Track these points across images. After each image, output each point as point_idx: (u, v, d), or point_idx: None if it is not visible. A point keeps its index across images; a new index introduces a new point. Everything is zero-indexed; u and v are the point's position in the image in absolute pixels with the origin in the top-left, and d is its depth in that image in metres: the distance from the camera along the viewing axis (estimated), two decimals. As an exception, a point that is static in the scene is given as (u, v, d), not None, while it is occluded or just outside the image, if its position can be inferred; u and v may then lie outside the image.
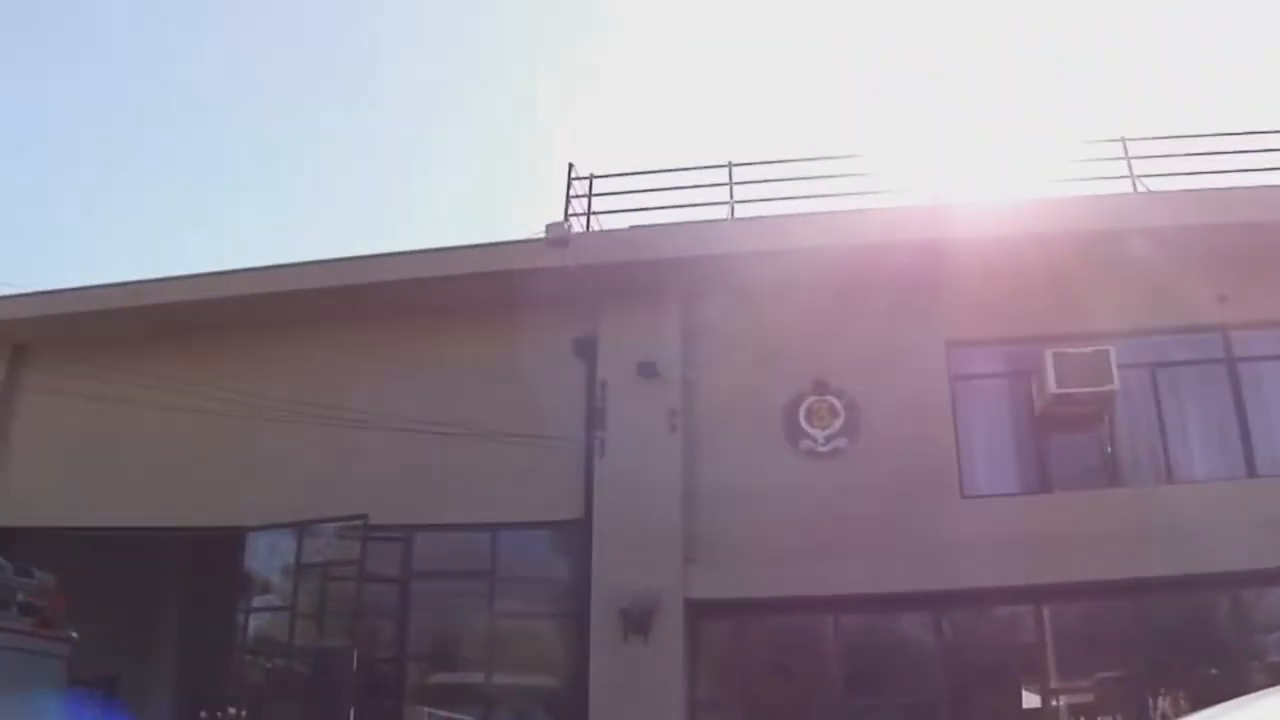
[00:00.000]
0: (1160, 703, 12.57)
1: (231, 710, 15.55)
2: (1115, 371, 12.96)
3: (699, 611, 13.41)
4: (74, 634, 13.45)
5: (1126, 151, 14.14)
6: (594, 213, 14.89)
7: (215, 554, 15.65)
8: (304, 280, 15.28)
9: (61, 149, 49.46)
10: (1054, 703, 12.88)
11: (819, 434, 13.77)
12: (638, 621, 13.04)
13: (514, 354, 14.49)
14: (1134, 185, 13.99)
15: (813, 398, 13.87)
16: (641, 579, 13.08)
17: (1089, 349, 13.05)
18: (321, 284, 15.16)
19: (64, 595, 13.60)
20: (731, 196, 14.69)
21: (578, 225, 14.69)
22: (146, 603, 18.72)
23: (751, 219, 14.41)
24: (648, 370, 13.81)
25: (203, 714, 17.71)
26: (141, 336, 16.59)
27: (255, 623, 14.98)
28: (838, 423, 13.79)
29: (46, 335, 17.45)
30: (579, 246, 14.19)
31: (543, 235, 14.26)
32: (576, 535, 13.70)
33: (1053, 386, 13.02)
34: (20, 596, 13.15)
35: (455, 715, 14.60)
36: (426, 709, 14.65)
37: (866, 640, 13.84)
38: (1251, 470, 13.39)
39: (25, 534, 16.73)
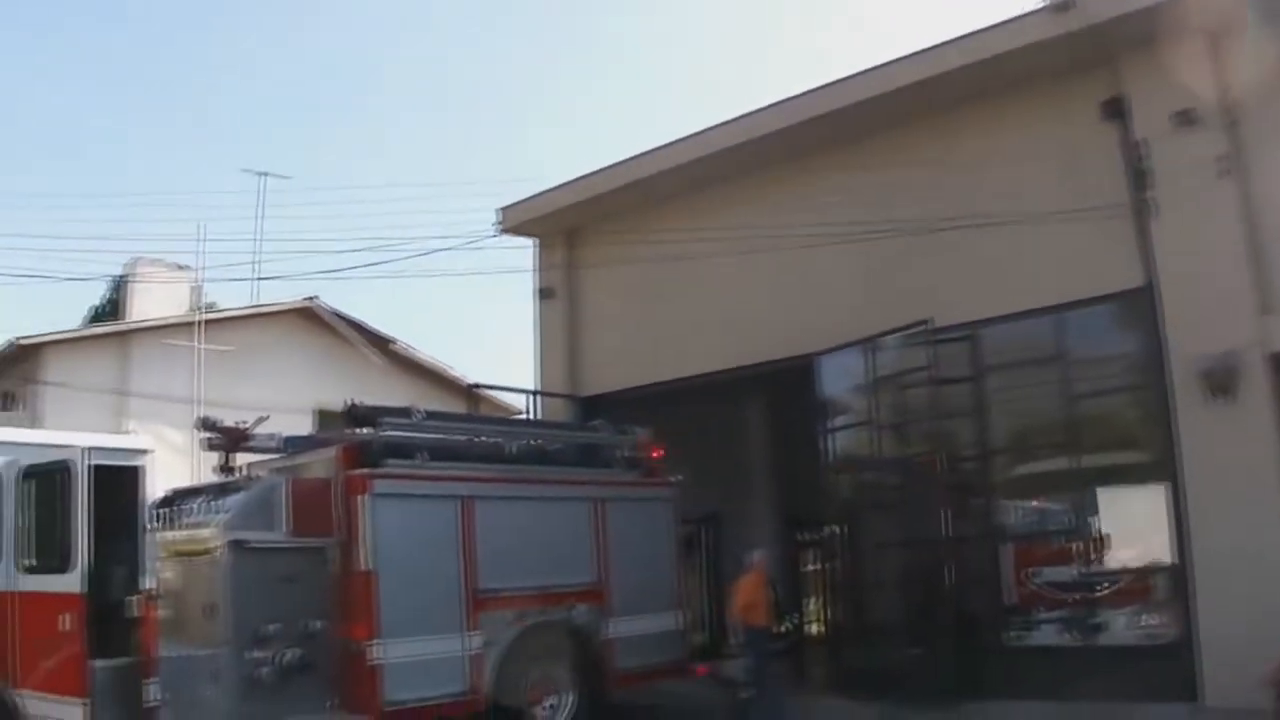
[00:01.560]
0: None
1: (828, 529, 17.45)
2: None
3: (1283, 364, 13.16)
4: (678, 478, 15.54)
5: None
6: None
7: (789, 383, 17.03)
8: (805, 110, 16.36)
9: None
10: None
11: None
12: (1219, 383, 13.00)
13: (1040, 132, 14.77)
14: None
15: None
16: (1217, 339, 13.02)
17: None
18: (826, 108, 16.07)
19: (661, 446, 15.65)
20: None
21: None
22: (735, 441, 20.90)
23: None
24: (1185, 119, 13.49)
25: (801, 536, 19.91)
26: (677, 195, 18.60)
27: (839, 442, 16.40)
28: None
29: (592, 214, 19.96)
30: (1085, 7, 13.88)
31: (1042, 5, 14.17)
32: (1141, 304, 13.77)
33: None
34: (623, 452, 15.41)
35: (1045, 504, 15.42)
36: (1015, 502, 15.50)
37: None
38: None
39: (612, 398, 19.38)
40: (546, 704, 13.41)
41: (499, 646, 12.93)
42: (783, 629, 15.86)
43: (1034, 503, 15.44)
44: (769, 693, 14.10)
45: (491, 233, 20.76)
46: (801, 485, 17.97)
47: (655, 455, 15.66)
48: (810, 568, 20.15)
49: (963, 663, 14.05)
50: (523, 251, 21.90)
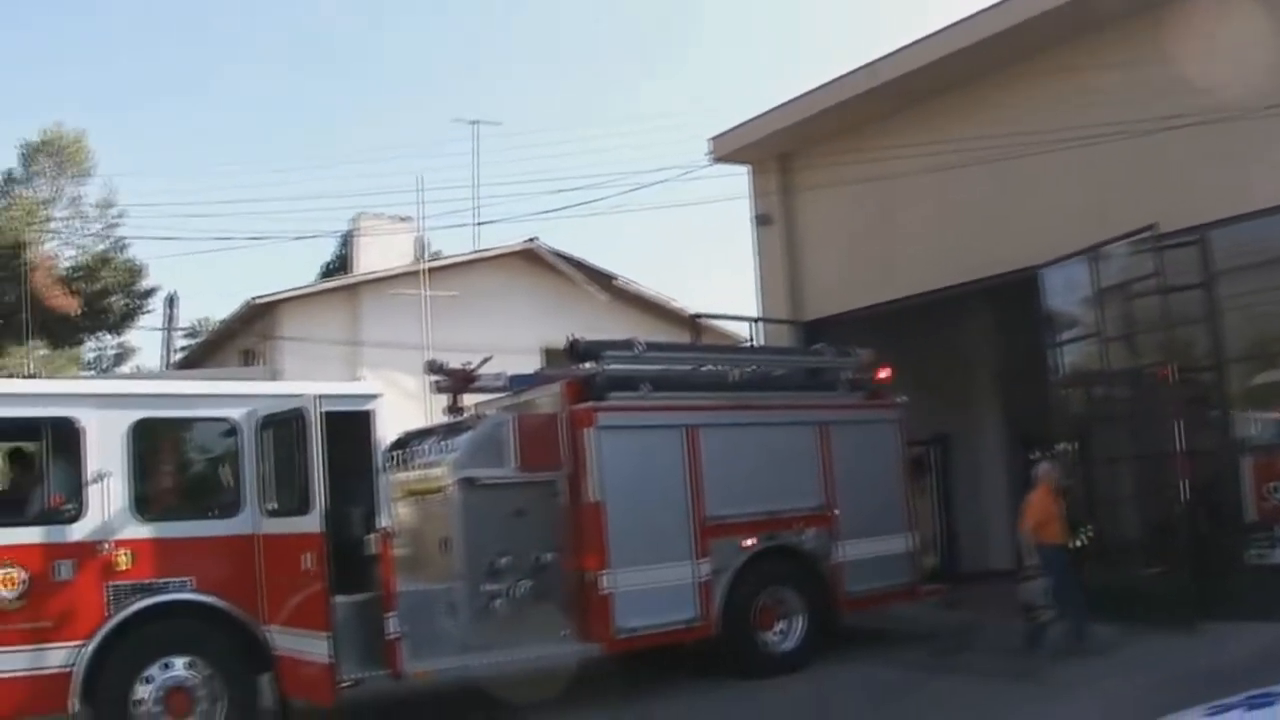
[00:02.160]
0: None
1: (1060, 445, 17.06)
2: None
3: None
4: (903, 399, 15.59)
5: None
6: None
7: (1014, 298, 16.99)
8: (1022, 12, 15.96)
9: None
10: None
11: None
12: None
13: (1264, 16, 14.12)
14: None
15: None
16: None
17: None
18: (1043, 8, 15.63)
19: (885, 367, 15.68)
20: None
21: None
22: (962, 360, 20.79)
23: None
24: None
25: (1033, 454, 19.76)
26: (888, 111, 18.56)
27: (1067, 356, 16.26)
28: None
29: (804, 137, 20.07)
30: None
31: None
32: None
33: None
34: (847, 375, 15.51)
35: (1289, 415, 14.86)
36: (1254, 413, 15.12)
37: None
38: None
39: (835, 321, 19.71)
40: (776, 629, 13.72)
41: (728, 573, 13.26)
42: (1078, 543, 15.57)
43: (1275, 413, 14.93)
44: (1072, 613, 13.66)
45: (704, 163, 21.25)
46: (1031, 402, 17.76)
47: (880, 377, 15.70)
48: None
49: (1201, 582, 13.76)
50: (740, 180, 22.33)
